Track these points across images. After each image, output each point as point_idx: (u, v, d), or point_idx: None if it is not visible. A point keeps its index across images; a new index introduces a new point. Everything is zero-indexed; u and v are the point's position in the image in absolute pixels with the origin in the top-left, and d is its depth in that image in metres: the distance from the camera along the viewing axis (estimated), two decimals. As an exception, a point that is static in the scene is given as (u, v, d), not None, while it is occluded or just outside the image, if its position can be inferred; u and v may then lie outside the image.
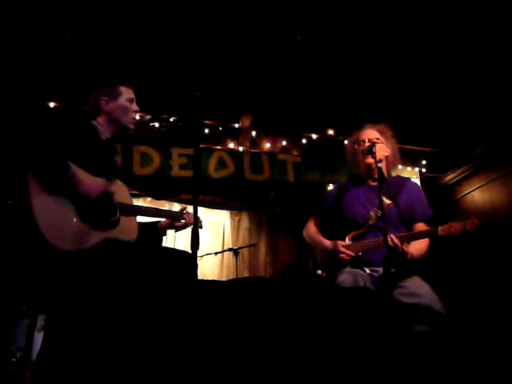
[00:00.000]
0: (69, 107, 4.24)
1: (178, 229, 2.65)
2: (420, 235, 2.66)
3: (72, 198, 2.09)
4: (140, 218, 2.48)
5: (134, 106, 2.50)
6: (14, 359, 2.81)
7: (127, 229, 2.31)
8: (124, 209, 2.31)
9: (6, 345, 2.76)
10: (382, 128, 2.98)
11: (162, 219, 2.64)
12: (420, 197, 2.89)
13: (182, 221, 2.64)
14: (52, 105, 4.33)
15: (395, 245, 2.51)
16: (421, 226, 2.76)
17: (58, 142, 2.14)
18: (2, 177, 2.14)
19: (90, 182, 2.14)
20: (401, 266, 2.54)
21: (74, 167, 2.10)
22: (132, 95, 2.51)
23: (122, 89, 2.48)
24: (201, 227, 2.60)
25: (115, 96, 2.45)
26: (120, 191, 2.36)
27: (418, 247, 2.65)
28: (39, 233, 1.93)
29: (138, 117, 2.79)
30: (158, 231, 2.63)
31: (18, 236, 2.03)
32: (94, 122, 2.44)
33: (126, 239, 2.26)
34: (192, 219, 2.56)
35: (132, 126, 2.50)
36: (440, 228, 2.55)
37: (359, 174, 2.98)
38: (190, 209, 2.61)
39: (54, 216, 2.01)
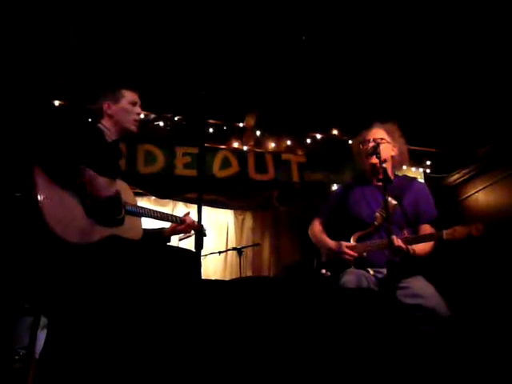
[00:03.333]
0: (74, 106, 4.25)
1: (181, 233, 2.68)
2: (425, 238, 2.65)
3: (79, 193, 2.12)
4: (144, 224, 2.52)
5: (137, 109, 2.55)
6: (17, 357, 2.81)
7: (132, 228, 2.36)
8: (128, 210, 2.36)
9: (9, 342, 2.76)
10: (390, 127, 2.95)
11: (166, 226, 2.68)
12: (426, 198, 2.87)
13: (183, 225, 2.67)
14: (57, 103, 4.34)
15: (399, 247, 2.51)
16: (426, 228, 2.75)
17: (68, 139, 2.18)
18: (10, 170, 2.17)
19: (103, 185, 2.18)
20: (404, 265, 2.54)
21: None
22: (135, 98, 2.56)
23: (125, 92, 2.54)
24: (205, 235, 2.63)
25: (117, 99, 2.52)
26: (124, 192, 2.40)
27: (422, 248, 2.64)
28: (46, 224, 1.95)
29: (142, 116, 2.80)
30: (163, 238, 2.67)
31: (24, 228, 2.05)
32: (99, 124, 2.50)
33: (131, 237, 2.30)
34: (192, 221, 2.61)
35: (134, 128, 2.54)
36: (445, 232, 2.54)
37: (365, 174, 2.97)
38: (193, 210, 2.63)
39: (60, 209, 2.04)
